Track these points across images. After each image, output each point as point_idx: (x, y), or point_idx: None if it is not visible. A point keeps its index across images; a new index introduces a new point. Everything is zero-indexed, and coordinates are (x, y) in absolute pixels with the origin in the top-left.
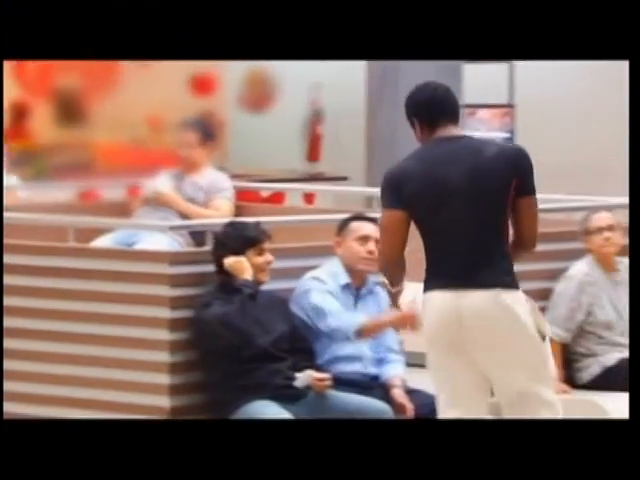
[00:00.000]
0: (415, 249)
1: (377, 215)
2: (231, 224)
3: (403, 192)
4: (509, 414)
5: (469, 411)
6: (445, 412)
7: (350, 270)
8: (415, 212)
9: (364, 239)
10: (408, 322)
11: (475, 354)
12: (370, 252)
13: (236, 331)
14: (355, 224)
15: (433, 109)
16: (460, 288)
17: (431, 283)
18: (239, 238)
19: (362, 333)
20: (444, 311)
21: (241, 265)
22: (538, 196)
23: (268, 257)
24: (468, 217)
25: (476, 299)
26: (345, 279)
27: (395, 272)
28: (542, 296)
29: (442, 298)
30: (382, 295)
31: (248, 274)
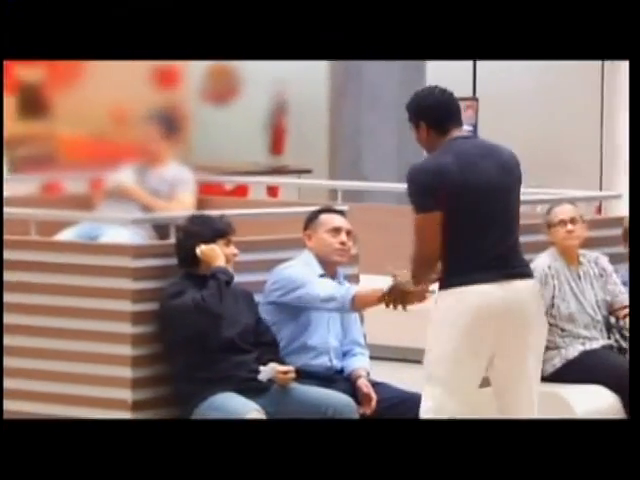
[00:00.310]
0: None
1: (343, 208)
2: (199, 216)
3: (439, 190)
4: (503, 400)
5: (467, 400)
6: (443, 403)
7: (323, 262)
8: (454, 207)
9: (336, 231)
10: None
11: (503, 342)
12: (342, 243)
13: (213, 316)
14: (325, 216)
15: (443, 112)
16: (504, 279)
17: (466, 277)
18: (209, 229)
19: (355, 304)
20: (488, 303)
21: (215, 252)
22: None
23: (234, 249)
24: (504, 210)
25: (520, 288)
26: (319, 270)
27: (430, 271)
28: None
29: (484, 290)
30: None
31: (221, 261)
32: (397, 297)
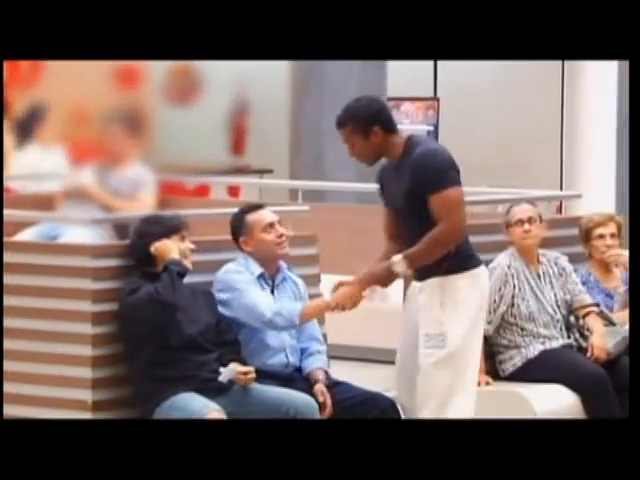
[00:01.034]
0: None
1: (304, 207)
2: (151, 215)
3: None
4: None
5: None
6: (474, 385)
7: (264, 261)
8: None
9: (270, 226)
10: (347, 304)
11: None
12: (280, 236)
13: (167, 306)
14: (252, 217)
15: (390, 113)
16: None
17: (476, 259)
18: (161, 226)
19: (302, 317)
20: (487, 283)
21: (167, 247)
22: (464, 189)
23: (189, 244)
24: None
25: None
26: (258, 269)
27: (446, 250)
28: None
29: (484, 271)
30: (296, 280)
31: (175, 254)
32: (364, 286)
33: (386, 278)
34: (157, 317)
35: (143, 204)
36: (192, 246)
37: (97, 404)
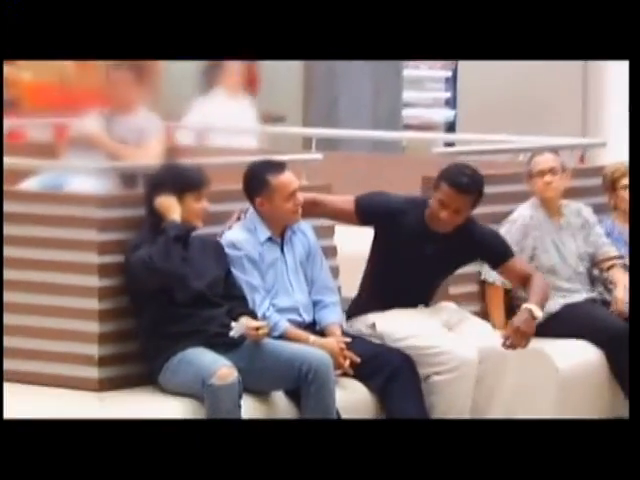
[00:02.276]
0: None
1: (317, 156)
2: (173, 166)
3: None
4: None
5: None
6: None
7: (273, 224)
8: None
9: (292, 194)
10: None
11: None
12: (297, 205)
13: (160, 274)
14: (278, 180)
15: None
16: None
17: None
18: (179, 181)
19: (282, 336)
20: None
21: (168, 204)
22: (483, 137)
23: (205, 203)
24: None
25: None
26: (266, 233)
27: None
28: None
29: None
30: (304, 229)
31: (176, 214)
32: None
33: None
34: (150, 284)
35: (151, 153)
36: (207, 205)
37: (104, 359)
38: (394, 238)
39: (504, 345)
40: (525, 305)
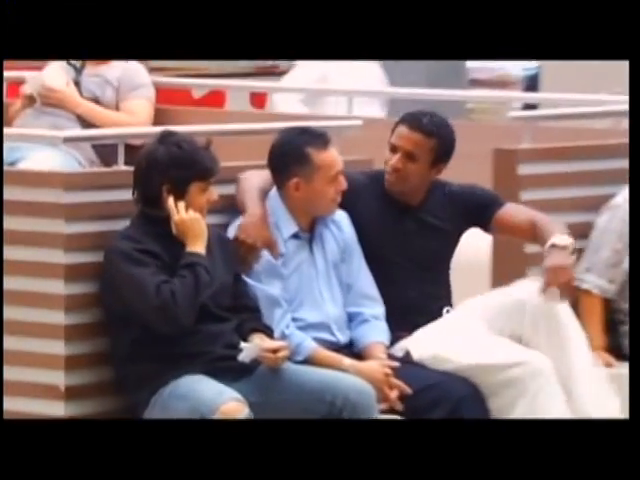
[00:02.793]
0: None
1: (355, 122)
2: (180, 142)
3: None
4: None
5: None
6: None
7: (301, 214)
8: None
9: (337, 176)
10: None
11: None
12: (339, 190)
13: (180, 325)
14: (323, 156)
15: None
16: None
17: None
18: (188, 165)
19: (309, 358)
20: None
21: (191, 223)
22: (574, 96)
23: (213, 194)
24: None
25: None
26: (292, 227)
27: None
28: (579, 232)
29: None
30: (342, 223)
31: (202, 240)
32: None
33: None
34: (161, 329)
35: (136, 116)
36: (215, 197)
37: (72, 390)
38: (362, 227)
39: (545, 296)
40: (548, 243)
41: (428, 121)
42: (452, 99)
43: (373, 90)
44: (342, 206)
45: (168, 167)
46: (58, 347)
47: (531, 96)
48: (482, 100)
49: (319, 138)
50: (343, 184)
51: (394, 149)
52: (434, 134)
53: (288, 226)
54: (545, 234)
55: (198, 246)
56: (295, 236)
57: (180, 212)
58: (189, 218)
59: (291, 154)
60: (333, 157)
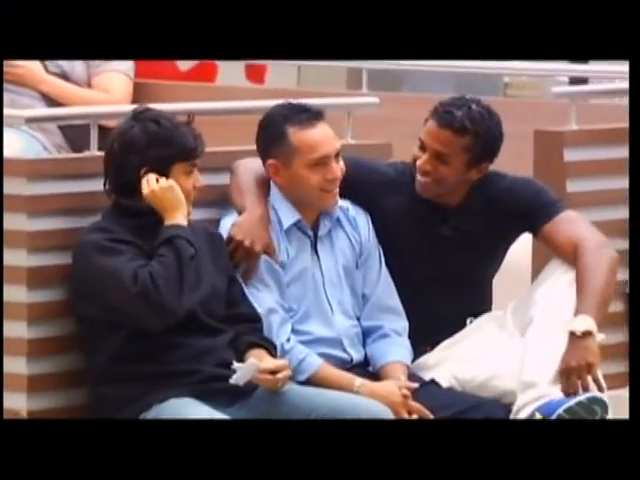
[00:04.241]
0: None
1: (371, 100)
2: (157, 118)
3: None
4: None
5: None
6: None
7: (298, 202)
8: None
9: (324, 161)
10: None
11: None
12: (330, 179)
13: (169, 314)
14: (300, 136)
15: None
16: None
17: None
18: (168, 143)
19: (312, 378)
20: None
21: (171, 194)
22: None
23: (200, 180)
24: None
25: None
26: (294, 216)
27: None
28: None
29: None
30: (358, 221)
31: (183, 212)
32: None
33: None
34: (148, 322)
35: (112, 93)
36: (201, 181)
37: (36, 415)
38: (386, 228)
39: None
40: (571, 325)
41: (463, 115)
42: (484, 72)
43: (391, 63)
44: (364, 203)
45: (146, 147)
46: (19, 365)
47: (579, 68)
48: (520, 73)
49: (302, 114)
50: (333, 172)
51: (422, 147)
52: (468, 131)
53: (287, 214)
54: (578, 296)
55: (175, 217)
56: (297, 227)
57: (150, 184)
58: (159, 187)
59: (268, 131)
60: (318, 138)
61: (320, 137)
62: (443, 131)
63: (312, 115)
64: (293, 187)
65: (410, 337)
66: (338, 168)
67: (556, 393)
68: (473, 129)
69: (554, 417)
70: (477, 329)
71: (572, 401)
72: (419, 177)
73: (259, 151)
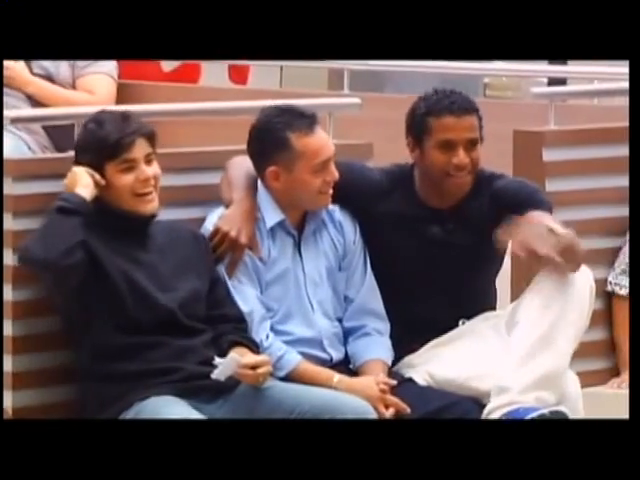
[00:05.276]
0: None
1: (353, 100)
2: (96, 117)
3: None
4: None
5: None
6: None
7: (288, 206)
8: None
9: (325, 165)
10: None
11: None
12: (329, 182)
13: (41, 264)
14: (306, 142)
15: None
16: None
17: None
18: (92, 147)
19: (292, 374)
20: None
21: (72, 176)
22: (609, 70)
23: (144, 172)
24: None
25: None
26: (278, 215)
27: None
28: (614, 229)
29: None
30: (343, 222)
31: (80, 187)
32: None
33: None
34: (53, 284)
35: (97, 94)
36: (148, 173)
37: (21, 413)
38: (382, 231)
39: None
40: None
41: (459, 98)
42: (463, 72)
43: (372, 63)
44: (356, 207)
45: (78, 154)
46: (5, 363)
47: (558, 69)
48: (500, 73)
49: (302, 120)
50: (333, 174)
51: (447, 145)
52: (475, 108)
53: (271, 213)
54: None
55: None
56: (281, 227)
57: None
58: (71, 174)
59: (269, 138)
60: (319, 143)
61: (322, 141)
62: (465, 118)
63: (312, 120)
64: (292, 191)
65: (403, 340)
66: (335, 169)
67: (526, 401)
68: (474, 107)
69: None
70: (469, 329)
71: (536, 413)
72: (459, 176)
73: (254, 157)
